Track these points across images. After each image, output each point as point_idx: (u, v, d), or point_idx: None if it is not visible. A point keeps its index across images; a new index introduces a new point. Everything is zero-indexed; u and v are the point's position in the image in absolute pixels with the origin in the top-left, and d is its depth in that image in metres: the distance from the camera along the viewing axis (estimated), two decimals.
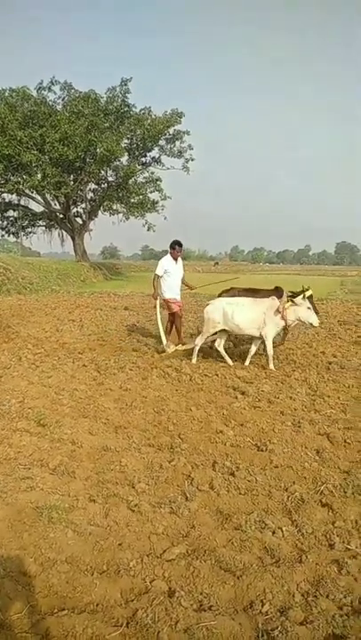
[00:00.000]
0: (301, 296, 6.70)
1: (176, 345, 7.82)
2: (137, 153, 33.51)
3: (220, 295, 7.77)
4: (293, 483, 3.43)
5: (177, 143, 32.87)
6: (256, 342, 7.08)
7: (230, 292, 7.71)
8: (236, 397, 5.45)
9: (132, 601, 2.29)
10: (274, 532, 2.82)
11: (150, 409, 4.96)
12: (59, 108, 29.88)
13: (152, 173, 34.33)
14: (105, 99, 30.42)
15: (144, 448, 3.98)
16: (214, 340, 7.45)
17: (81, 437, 4.14)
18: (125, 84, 30.31)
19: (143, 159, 34.27)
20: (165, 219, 34.94)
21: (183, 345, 7.82)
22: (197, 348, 7.23)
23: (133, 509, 3.04)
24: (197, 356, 7.27)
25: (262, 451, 3.98)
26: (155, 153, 33.89)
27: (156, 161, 34.26)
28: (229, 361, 7.11)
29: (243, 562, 2.53)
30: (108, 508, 3.05)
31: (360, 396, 5.49)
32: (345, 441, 4.14)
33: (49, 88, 29.69)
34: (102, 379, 6.09)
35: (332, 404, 5.22)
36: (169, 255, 7.92)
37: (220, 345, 7.23)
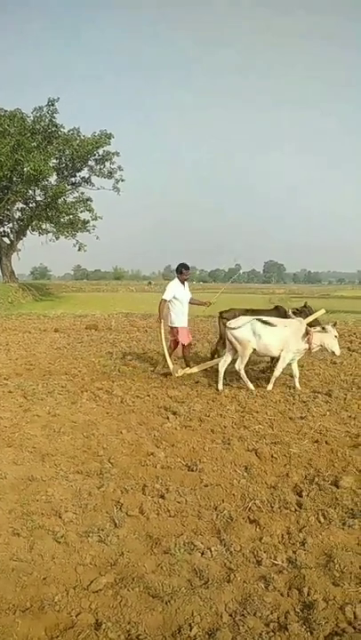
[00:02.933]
0: (331, 324, 6.69)
1: (184, 369, 7.62)
2: (66, 173, 33.38)
3: (219, 316, 7.75)
4: (223, 501, 3.47)
5: (107, 164, 33.09)
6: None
7: (230, 313, 7.58)
8: (168, 418, 5.45)
9: (57, 637, 2.21)
10: (203, 553, 2.82)
11: (79, 434, 4.84)
12: None
13: (82, 193, 34.26)
14: (32, 118, 30.10)
15: (72, 475, 3.87)
16: (213, 354, 7.59)
17: (5, 468, 3.96)
18: (52, 104, 30.25)
19: (73, 179, 34.19)
20: (97, 238, 34.84)
21: (191, 368, 7.65)
22: (243, 372, 6.72)
23: (59, 541, 2.94)
24: (249, 380, 6.79)
25: (193, 470, 3.99)
26: (85, 173, 33.92)
27: (86, 181, 34.31)
28: (220, 385, 6.80)
29: (171, 586, 2.51)
30: (33, 541, 2.92)
31: (286, 411, 5.68)
32: (272, 456, 4.24)
33: None
34: (29, 405, 5.87)
35: (260, 419, 5.35)
36: (177, 279, 7.65)
37: (222, 365, 6.87)
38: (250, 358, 6.82)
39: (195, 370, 7.63)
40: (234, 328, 6.59)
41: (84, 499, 3.48)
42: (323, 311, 7.15)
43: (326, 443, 4.57)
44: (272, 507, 3.37)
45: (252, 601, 2.41)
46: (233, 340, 6.64)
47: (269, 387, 6.71)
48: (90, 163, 33.01)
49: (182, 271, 7.62)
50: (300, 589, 2.50)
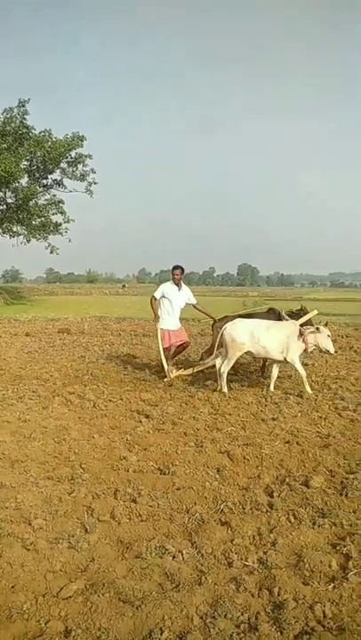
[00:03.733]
0: (324, 323, 6.78)
1: (178, 370, 7.56)
2: (37, 175, 32.98)
3: (213, 325, 7.77)
4: (195, 504, 3.47)
5: (79, 166, 32.81)
6: (278, 365, 6.83)
7: (223, 320, 7.52)
8: (141, 421, 5.43)
9: None
10: (174, 557, 2.82)
11: (50, 439, 4.78)
12: None
13: (54, 196, 33.88)
14: (2, 119, 29.67)
15: (42, 481, 3.81)
16: (202, 358, 7.67)
17: None
18: (23, 106, 29.88)
19: (44, 181, 33.76)
20: (70, 241, 34.46)
21: (185, 370, 7.61)
22: (225, 376, 6.69)
23: (29, 548, 2.88)
24: (227, 383, 6.75)
25: (165, 474, 3.98)
26: (57, 175, 33.53)
27: (58, 183, 33.91)
28: (225, 388, 6.69)
29: (142, 591, 2.50)
30: (2, 549, 2.86)
31: (258, 413, 5.72)
32: (244, 457, 4.27)
33: None
34: None
35: (232, 421, 5.38)
36: (170, 281, 7.67)
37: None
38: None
39: (188, 372, 7.64)
40: (231, 330, 6.62)
41: (54, 505, 3.43)
42: (315, 312, 7.28)
43: (297, 443, 4.63)
44: (243, 508, 3.39)
45: (222, 603, 2.41)
46: (228, 341, 6.62)
47: (307, 388, 6.60)
48: (62, 165, 32.70)
49: (173, 271, 7.68)
50: (271, 590, 2.52)
